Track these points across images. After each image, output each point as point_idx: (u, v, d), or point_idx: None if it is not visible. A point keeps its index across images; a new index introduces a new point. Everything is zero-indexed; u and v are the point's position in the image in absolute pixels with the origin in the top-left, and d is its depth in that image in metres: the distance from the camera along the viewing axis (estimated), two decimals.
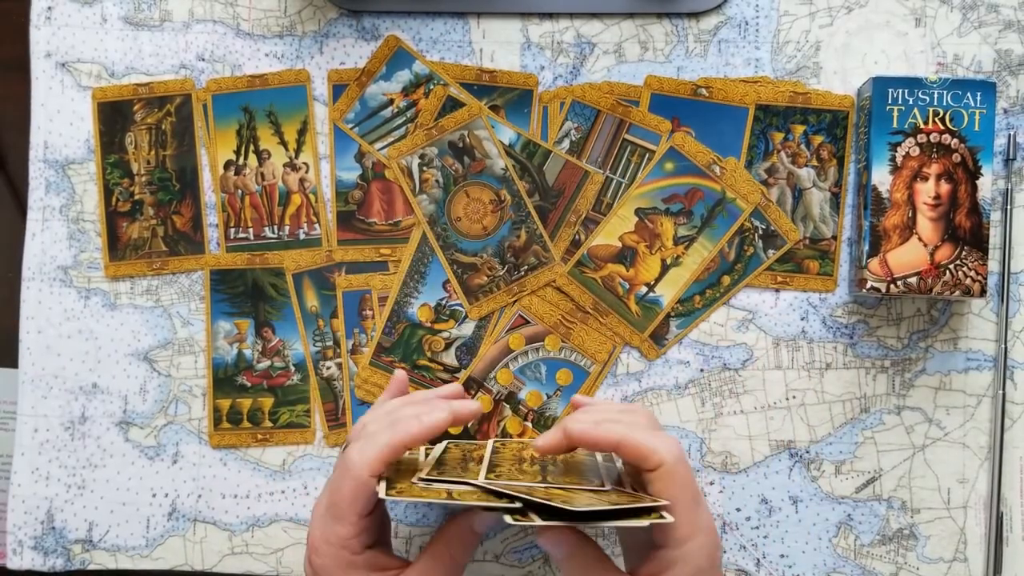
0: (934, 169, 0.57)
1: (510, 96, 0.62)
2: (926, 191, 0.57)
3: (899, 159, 0.57)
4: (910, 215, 0.57)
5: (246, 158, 0.63)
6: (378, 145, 0.63)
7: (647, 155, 0.62)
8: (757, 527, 0.61)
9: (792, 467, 0.61)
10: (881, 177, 0.57)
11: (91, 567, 0.63)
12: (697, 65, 0.62)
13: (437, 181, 0.62)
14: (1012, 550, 0.60)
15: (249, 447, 0.63)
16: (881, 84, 0.57)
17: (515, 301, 0.62)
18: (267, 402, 0.63)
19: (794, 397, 0.61)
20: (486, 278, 0.62)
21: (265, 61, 0.63)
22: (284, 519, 0.62)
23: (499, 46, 0.62)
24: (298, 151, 0.63)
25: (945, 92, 0.57)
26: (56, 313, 0.63)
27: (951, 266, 0.56)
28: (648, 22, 0.62)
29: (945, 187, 0.57)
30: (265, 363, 0.63)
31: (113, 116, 0.63)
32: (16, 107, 0.65)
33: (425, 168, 0.62)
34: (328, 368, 0.63)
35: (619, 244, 0.62)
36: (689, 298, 0.61)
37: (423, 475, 0.47)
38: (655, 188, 0.62)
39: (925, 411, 0.60)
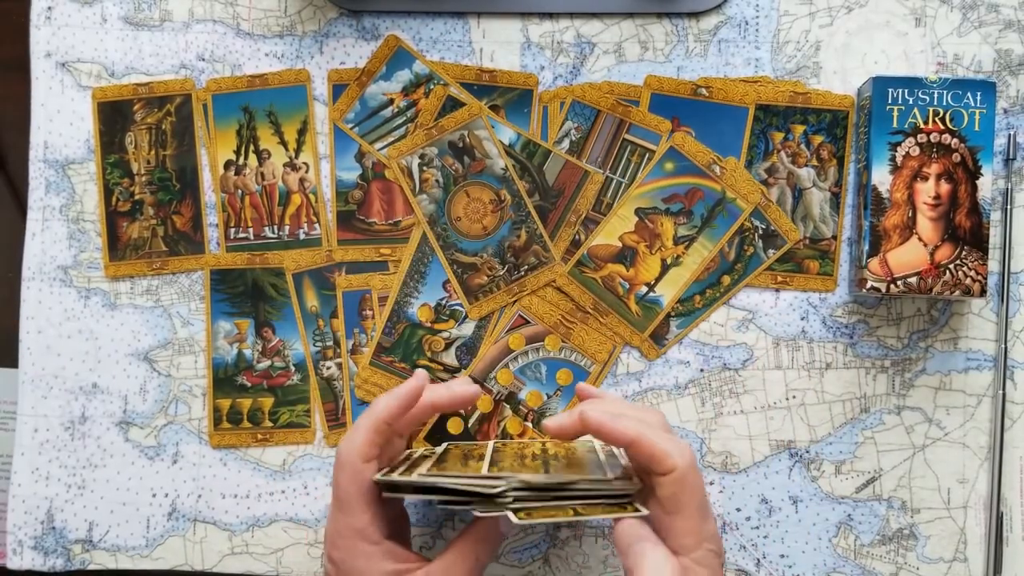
0: (934, 169, 0.57)
1: (510, 96, 0.62)
2: (926, 191, 0.57)
3: (899, 159, 0.57)
4: (910, 215, 0.57)
5: (246, 158, 0.63)
6: (378, 145, 0.63)
7: (647, 155, 0.62)
8: (757, 527, 0.61)
9: (792, 467, 0.61)
10: (881, 177, 0.57)
11: (91, 567, 0.63)
12: (697, 65, 0.62)
13: (437, 181, 0.62)
14: (1012, 550, 0.60)
15: (249, 447, 0.63)
16: (881, 84, 0.57)
17: (515, 301, 0.62)
18: (267, 402, 0.63)
19: (794, 397, 0.61)
20: (486, 278, 0.62)
21: (265, 61, 0.63)
22: (284, 519, 0.62)
23: (499, 46, 0.62)
24: (298, 151, 0.63)
25: (945, 92, 0.57)
26: (56, 313, 0.63)
27: (951, 266, 0.56)
28: (648, 22, 0.62)
29: (945, 187, 0.57)
30: (265, 363, 0.63)
31: (113, 116, 0.63)
32: (16, 107, 0.65)
33: (425, 168, 0.62)
34: (328, 368, 0.63)
35: (619, 244, 0.62)
36: (689, 298, 0.61)
37: (423, 471, 0.48)
38: (655, 188, 0.62)
39: (925, 411, 0.60)
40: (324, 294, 0.63)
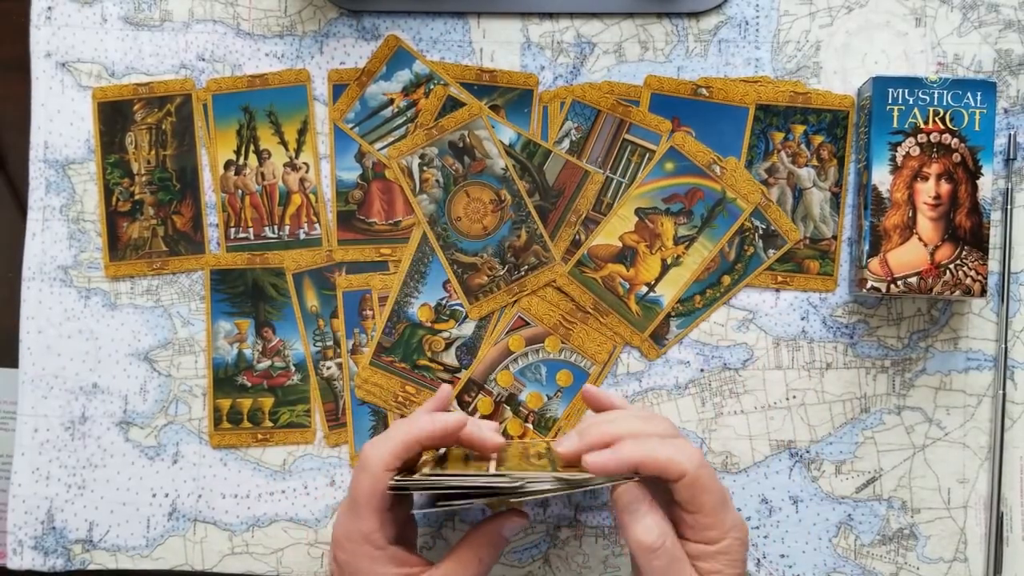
0: (934, 169, 0.57)
1: (510, 96, 0.62)
2: (926, 191, 0.57)
3: (899, 159, 0.57)
4: (910, 215, 0.57)
5: (246, 158, 0.63)
6: (378, 145, 0.63)
7: (647, 155, 0.62)
8: (757, 527, 0.61)
9: (792, 467, 0.61)
10: (881, 177, 0.57)
11: (91, 567, 0.63)
12: (697, 65, 0.62)
13: (437, 181, 0.62)
14: (1012, 550, 0.60)
15: (249, 447, 0.63)
16: (881, 84, 0.57)
17: (515, 301, 0.62)
18: (267, 402, 0.63)
19: (794, 397, 0.61)
20: (486, 278, 0.62)
21: (265, 61, 0.63)
22: (284, 519, 0.62)
23: (499, 46, 0.62)
24: (298, 151, 0.63)
25: (945, 92, 0.57)
26: (56, 313, 0.63)
27: (951, 266, 0.56)
28: (648, 22, 0.62)
29: (945, 187, 0.57)
30: (265, 363, 0.63)
31: (113, 116, 0.63)
32: (16, 107, 0.65)
33: (425, 168, 0.62)
34: (328, 368, 0.63)
35: (619, 244, 0.62)
36: (689, 298, 0.61)
37: (427, 471, 0.48)
38: (655, 188, 0.62)
39: (925, 411, 0.60)
40: (324, 294, 0.63)
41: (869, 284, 0.57)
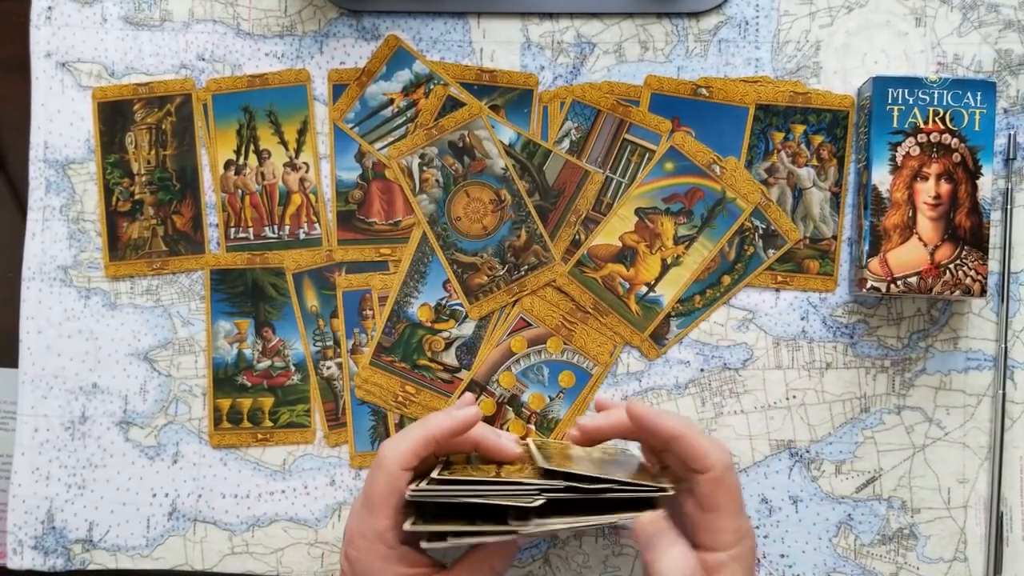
0: (934, 169, 0.57)
1: (510, 96, 0.62)
2: (926, 191, 0.57)
3: (899, 159, 0.57)
4: (910, 215, 0.57)
5: (246, 158, 0.63)
6: (378, 145, 0.63)
7: (647, 155, 0.62)
8: (757, 527, 0.61)
9: (792, 467, 0.61)
10: (881, 177, 0.57)
11: (91, 567, 0.63)
12: (697, 65, 0.62)
13: (437, 181, 0.62)
14: (1012, 550, 0.60)
15: (249, 447, 0.63)
16: (881, 84, 0.57)
17: (515, 301, 0.62)
18: (267, 402, 0.63)
19: (794, 397, 0.61)
20: (486, 278, 0.62)
21: (265, 61, 0.63)
22: (284, 519, 0.62)
23: (499, 46, 0.62)
24: (298, 151, 0.63)
25: (945, 92, 0.57)
26: (56, 313, 0.63)
27: (951, 266, 0.56)
28: (648, 22, 0.62)
29: (945, 187, 0.57)
30: (265, 363, 0.63)
31: (113, 116, 0.63)
32: (16, 107, 0.64)
33: (425, 168, 0.62)
34: (328, 368, 0.63)
35: (619, 244, 0.62)
36: (689, 298, 0.61)
37: (435, 475, 0.48)
38: (655, 188, 0.62)
39: (925, 411, 0.60)
40: (324, 294, 0.63)
41: (869, 284, 0.57)
